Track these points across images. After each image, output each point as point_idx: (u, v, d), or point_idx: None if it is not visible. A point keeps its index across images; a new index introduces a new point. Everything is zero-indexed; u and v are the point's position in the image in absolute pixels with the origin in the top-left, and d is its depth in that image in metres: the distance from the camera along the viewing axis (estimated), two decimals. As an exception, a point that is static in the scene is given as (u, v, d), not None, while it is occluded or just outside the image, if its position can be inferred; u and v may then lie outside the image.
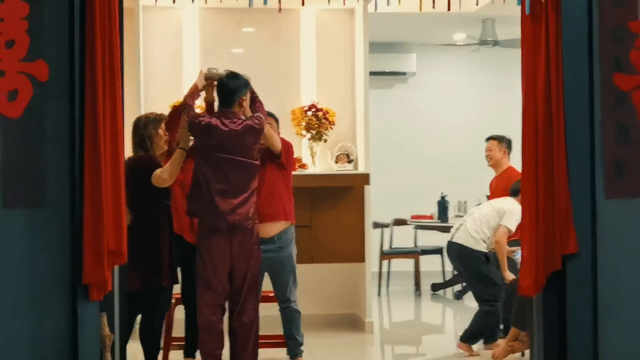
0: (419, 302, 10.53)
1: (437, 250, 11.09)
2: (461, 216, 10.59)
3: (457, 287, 10.77)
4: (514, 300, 6.76)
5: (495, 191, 8.05)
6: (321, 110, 8.34)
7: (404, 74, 12.28)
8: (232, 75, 6.03)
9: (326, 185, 8.04)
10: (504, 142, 8.14)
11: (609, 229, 4.11)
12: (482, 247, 7.31)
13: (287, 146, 6.63)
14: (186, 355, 6.60)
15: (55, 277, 3.96)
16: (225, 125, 5.88)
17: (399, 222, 11.05)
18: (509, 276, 7.08)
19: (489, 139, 8.23)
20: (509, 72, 12.64)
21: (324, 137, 8.32)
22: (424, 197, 11.15)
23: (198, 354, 6.54)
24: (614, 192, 4.10)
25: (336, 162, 8.39)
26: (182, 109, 6.13)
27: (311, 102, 8.37)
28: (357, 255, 8.11)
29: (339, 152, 8.41)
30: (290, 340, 6.70)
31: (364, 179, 8.08)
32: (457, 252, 7.47)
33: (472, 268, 7.39)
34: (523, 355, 6.97)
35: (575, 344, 4.10)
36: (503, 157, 8.10)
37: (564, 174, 4.10)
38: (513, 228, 7.15)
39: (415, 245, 11.23)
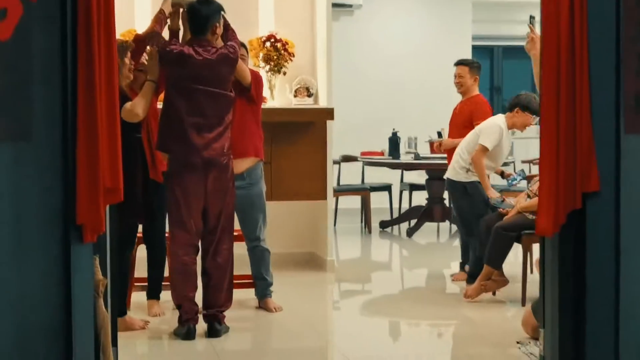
0: (368, 240, 10.36)
1: (386, 187, 10.90)
2: (412, 153, 10.45)
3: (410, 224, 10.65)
4: (490, 236, 6.60)
5: (459, 115, 7.79)
6: (280, 41, 7.99)
7: (350, 6, 11.97)
8: (204, 1, 5.65)
9: (287, 120, 7.73)
10: (475, 67, 7.84)
11: (632, 166, 3.91)
12: (462, 177, 7.15)
13: (257, 78, 6.31)
14: (149, 296, 6.30)
15: (44, 216, 3.59)
16: (199, 54, 5.52)
17: (348, 159, 10.82)
18: (494, 194, 6.94)
19: (458, 63, 7.88)
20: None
21: (283, 69, 7.99)
22: (376, 133, 10.90)
23: (161, 295, 6.27)
24: (634, 126, 3.90)
25: (295, 96, 8.07)
26: (148, 38, 5.75)
27: (269, 33, 8.01)
28: (319, 192, 7.85)
29: (298, 86, 8.10)
30: (260, 281, 6.45)
31: (327, 113, 7.79)
32: (446, 187, 7.57)
33: (454, 201, 7.30)
34: (494, 294, 6.84)
35: (594, 285, 3.92)
36: (474, 83, 7.79)
37: (587, 108, 3.88)
38: (489, 145, 6.97)
39: (363, 182, 11.02)
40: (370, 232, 10.55)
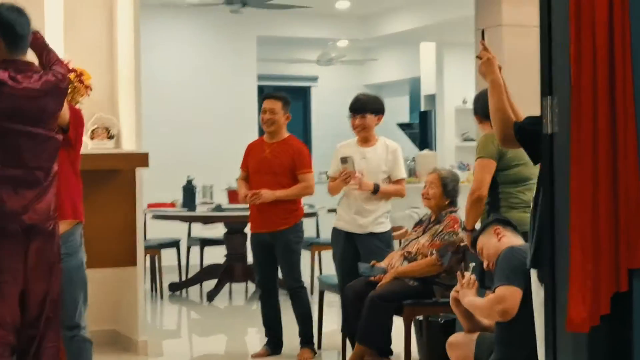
0: (159, 307, 8.90)
1: (174, 243, 9.45)
2: (209, 203, 9.15)
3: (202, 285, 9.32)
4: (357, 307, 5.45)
5: (274, 160, 6.25)
6: (73, 70, 6.44)
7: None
8: (16, 8, 4.13)
9: (86, 167, 6.18)
10: (288, 103, 6.38)
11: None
12: None
13: (77, 116, 4.78)
14: None
15: None
16: (17, 81, 3.98)
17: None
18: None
19: (269, 97, 6.39)
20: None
21: (78, 105, 6.43)
22: (167, 181, 9.46)
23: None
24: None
25: (92, 138, 6.55)
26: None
27: (59, 60, 6.44)
28: (126, 257, 6.36)
29: (96, 126, 6.59)
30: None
31: (138, 159, 6.33)
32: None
33: None
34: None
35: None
36: (285, 122, 6.35)
37: (633, 155, 2.83)
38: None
39: (145, 239, 9.53)
40: (162, 297, 9.09)
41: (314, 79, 15.04)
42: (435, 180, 5.59)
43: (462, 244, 5.44)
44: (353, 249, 6.04)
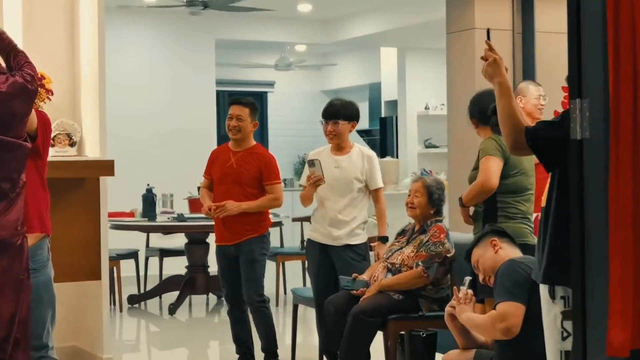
0: (114, 320, 8.53)
1: (132, 254, 9.09)
2: (169, 213, 8.82)
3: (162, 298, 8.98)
4: (338, 323, 5.18)
5: (239, 169, 5.90)
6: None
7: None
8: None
9: (51, 176, 5.82)
10: (256, 110, 6.04)
11: None
12: None
13: (45, 122, 4.45)
14: None
15: None
16: (-18, 82, 3.66)
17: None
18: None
19: (236, 102, 5.99)
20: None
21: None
22: (126, 189, 9.09)
23: None
24: None
25: (53, 145, 6.19)
26: None
27: (18, 63, 6.08)
28: (91, 270, 6.00)
29: (57, 132, 6.23)
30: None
31: (104, 167, 5.98)
32: None
33: None
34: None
35: None
36: (252, 130, 5.99)
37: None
38: None
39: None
40: (121, 310, 8.73)
41: (271, 84, 14.78)
42: (420, 189, 5.33)
43: (448, 255, 5.19)
44: (328, 261, 5.74)
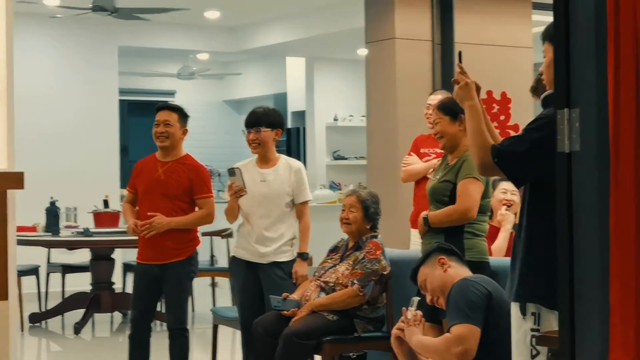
0: (15, 339, 8.03)
1: (33, 270, 8.61)
2: (73, 227, 8.41)
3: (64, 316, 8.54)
4: (268, 345, 4.90)
5: (167, 182, 5.47)
6: None
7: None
8: None
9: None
10: (186, 116, 5.60)
11: None
12: None
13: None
14: None
15: None
16: None
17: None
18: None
19: (164, 107, 5.60)
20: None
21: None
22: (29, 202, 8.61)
23: None
24: None
25: (-48, 156, 5.75)
26: None
27: None
28: (-5, 290, 5.57)
29: (-43, 142, 5.79)
30: None
31: (9, 179, 5.50)
32: None
33: None
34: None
35: None
36: (182, 138, 5.57)
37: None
38: None
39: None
40: (22, 329, 8.24)
41: (171, 93, 14.40)
42: (355, 203, 5.08)
43: (385, 273, 4.97)
44: (255, 279, 5.38)
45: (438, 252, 4.10)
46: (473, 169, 4.41)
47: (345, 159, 12.00)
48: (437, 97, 5.43)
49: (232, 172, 5.26)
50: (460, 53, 3.52)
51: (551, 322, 3.05)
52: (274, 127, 5.44)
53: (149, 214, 5.41)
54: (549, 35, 3.17)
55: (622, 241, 2.44)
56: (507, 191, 5.42)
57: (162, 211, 5.43)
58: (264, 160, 5.47)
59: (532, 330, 3.11)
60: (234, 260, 5.52)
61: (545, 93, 3.20)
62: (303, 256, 5.38)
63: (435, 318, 4.27)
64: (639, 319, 2.44)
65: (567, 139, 2.61)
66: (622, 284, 2.44)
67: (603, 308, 2.51)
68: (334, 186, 11.60)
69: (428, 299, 4.07)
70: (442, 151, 4.86)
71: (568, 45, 2.62)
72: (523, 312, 3.14)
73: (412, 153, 5.93)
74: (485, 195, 4.58)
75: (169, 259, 5.46)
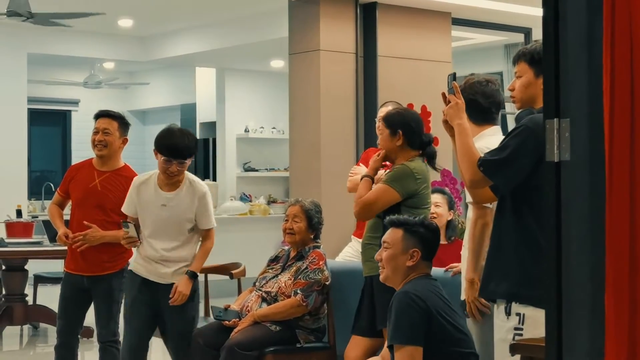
0: None
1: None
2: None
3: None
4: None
5: (98, 194, 5.30)
6: None
7: None
8: None
9: None
10: (126, 124, 5.40)
11: None
12: None
13: None
14: None
15: None
16: None
17: None
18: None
19: (103, 115, 5.34)
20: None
21: None
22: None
23: None
24: None
25: None
26: None
27: None
28: None
29: None
30: None
31: None
32: None
33: None
34: None
35: None
36: (121, 148, 5.36)
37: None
38: None
39: None
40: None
41: (75, 102, 14.11)
42: (299, 213, 5.06)
43: (327, 283, 4.96)
44: (146, 299, 5.10)
45: (420, 241, 3.95)
46: (397, 179, 4.45)
47: (256, 170, 11.95)
48: (387, 109, 5.40)
49: (126, 225, 5.04)
50: (454, 74, 3.59)
51: (536, 323, 3.14)
52: (193, 156, 5.16)
53: (85, 223, 5.24)
54: (525, 55, 3.33)
55: (616, 247, 2.48)
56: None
57: (97, 222, 5.24)
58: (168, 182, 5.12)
59: (516, 329, 3.28)
60: (130, 275, 5.22)
61: (518, 112, 3.35)
62: (191, 274, 5.05)
63: (373, 330, 4.34)
64: (633, 328, 2.48)
65: (557, 148, 2.65)
66: (615, 289, 2.48)
67: (594, 317, 2.55)
68: (244, 198, 11.52)
69: (377, 257, 3.96)
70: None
71: (557, 56, 2.66)
72: (508, 312, 3.33)
73: (361, 164, 5.84)
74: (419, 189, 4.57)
75: (101, 271, 5.30)
